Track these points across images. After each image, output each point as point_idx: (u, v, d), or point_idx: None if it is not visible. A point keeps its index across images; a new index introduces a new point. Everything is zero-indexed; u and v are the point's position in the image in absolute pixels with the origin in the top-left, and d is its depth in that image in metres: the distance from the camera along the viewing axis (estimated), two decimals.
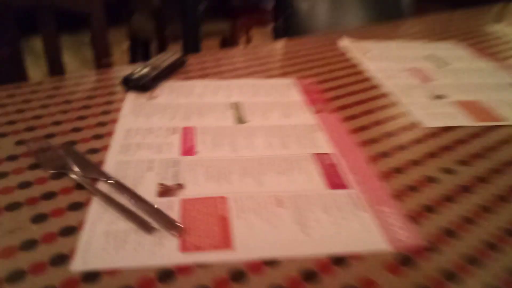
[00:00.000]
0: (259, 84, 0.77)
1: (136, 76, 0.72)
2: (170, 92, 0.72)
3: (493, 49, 1.04)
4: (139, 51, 2.60)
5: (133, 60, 2.42)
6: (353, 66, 0.88)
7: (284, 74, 0.82)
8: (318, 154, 0.57)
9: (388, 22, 1.22)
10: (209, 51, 0.90)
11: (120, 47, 3.26)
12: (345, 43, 1.01)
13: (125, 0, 2.29)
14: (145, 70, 0.74)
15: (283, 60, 0.89)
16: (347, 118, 0.67)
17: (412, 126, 0.66)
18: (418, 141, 0.62)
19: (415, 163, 0.56)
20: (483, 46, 1.06)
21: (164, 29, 2.12)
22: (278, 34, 1.84)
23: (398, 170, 0.55)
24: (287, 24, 1.16)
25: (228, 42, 2.31)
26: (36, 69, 2.15)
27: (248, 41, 2.57)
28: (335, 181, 0.52)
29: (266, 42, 1.00)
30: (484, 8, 1.44)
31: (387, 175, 0.53)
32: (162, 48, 2.17)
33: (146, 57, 2.68)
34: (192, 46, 2.14)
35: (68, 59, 2.63)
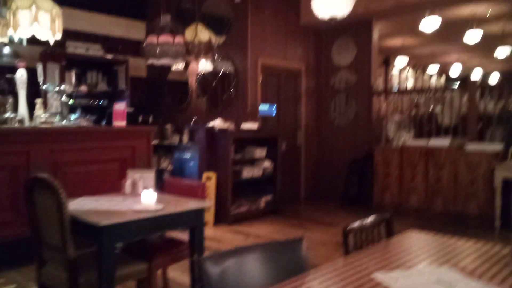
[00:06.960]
0: None
1: None
2: None
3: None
4: None
5: None
6: None
7: None
8: None
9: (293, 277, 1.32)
10: None
11: None
12: None
13: (36, 230, 2.19)
14: None
15: None
16: None
17: None
18: None
19: None
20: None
21: (78, 278, 2.05)
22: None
23: None
24: None
25: (144, 284, 2.28)
26: None
27: (165, 281, 2.55)
28: None
29: None
30: None
31: None
32: None
33: None
34: None
35: None
